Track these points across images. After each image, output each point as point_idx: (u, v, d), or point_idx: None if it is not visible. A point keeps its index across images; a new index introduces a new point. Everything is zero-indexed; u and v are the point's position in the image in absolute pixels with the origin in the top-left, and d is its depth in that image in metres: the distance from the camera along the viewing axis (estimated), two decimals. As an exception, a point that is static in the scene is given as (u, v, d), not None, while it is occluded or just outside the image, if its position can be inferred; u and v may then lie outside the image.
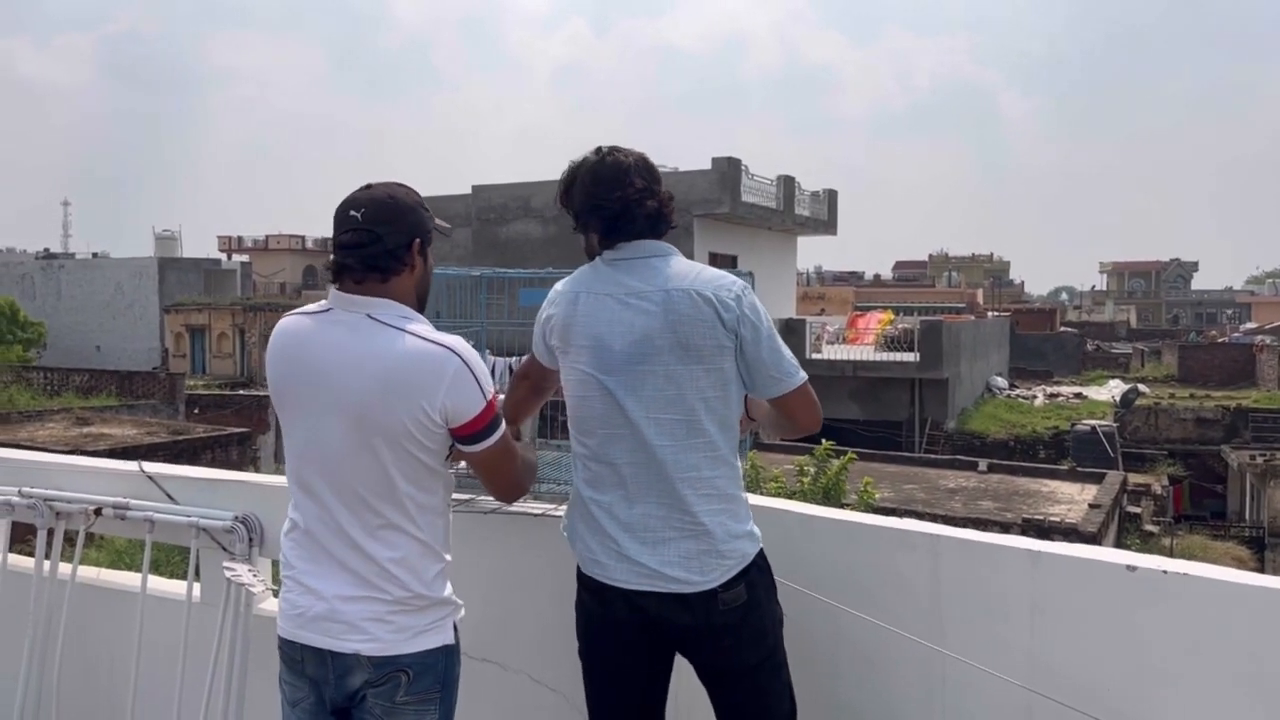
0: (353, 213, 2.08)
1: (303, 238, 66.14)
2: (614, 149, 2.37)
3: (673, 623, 2.26)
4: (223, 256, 59.28)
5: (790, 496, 8.99)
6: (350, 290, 2.10)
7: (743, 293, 2.27)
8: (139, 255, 48.16)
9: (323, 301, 2.17)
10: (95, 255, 52.73)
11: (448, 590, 2.18)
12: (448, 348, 2.04)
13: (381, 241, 2.07)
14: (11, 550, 3.52)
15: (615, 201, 2.31)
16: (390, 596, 2.07)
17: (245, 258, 60.35)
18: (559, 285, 2.45)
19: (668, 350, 2.23)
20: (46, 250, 55.99)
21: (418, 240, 2.14)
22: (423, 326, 2.09)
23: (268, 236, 65.86)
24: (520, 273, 2.91)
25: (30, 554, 3.43)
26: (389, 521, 2.08)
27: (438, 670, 2.14)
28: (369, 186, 2.14)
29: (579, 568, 2.38)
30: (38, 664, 3.28)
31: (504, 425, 2.15)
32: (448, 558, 2.19)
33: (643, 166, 2.35)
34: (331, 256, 2.13)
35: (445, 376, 2.02)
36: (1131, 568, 2.28)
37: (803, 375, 2.32)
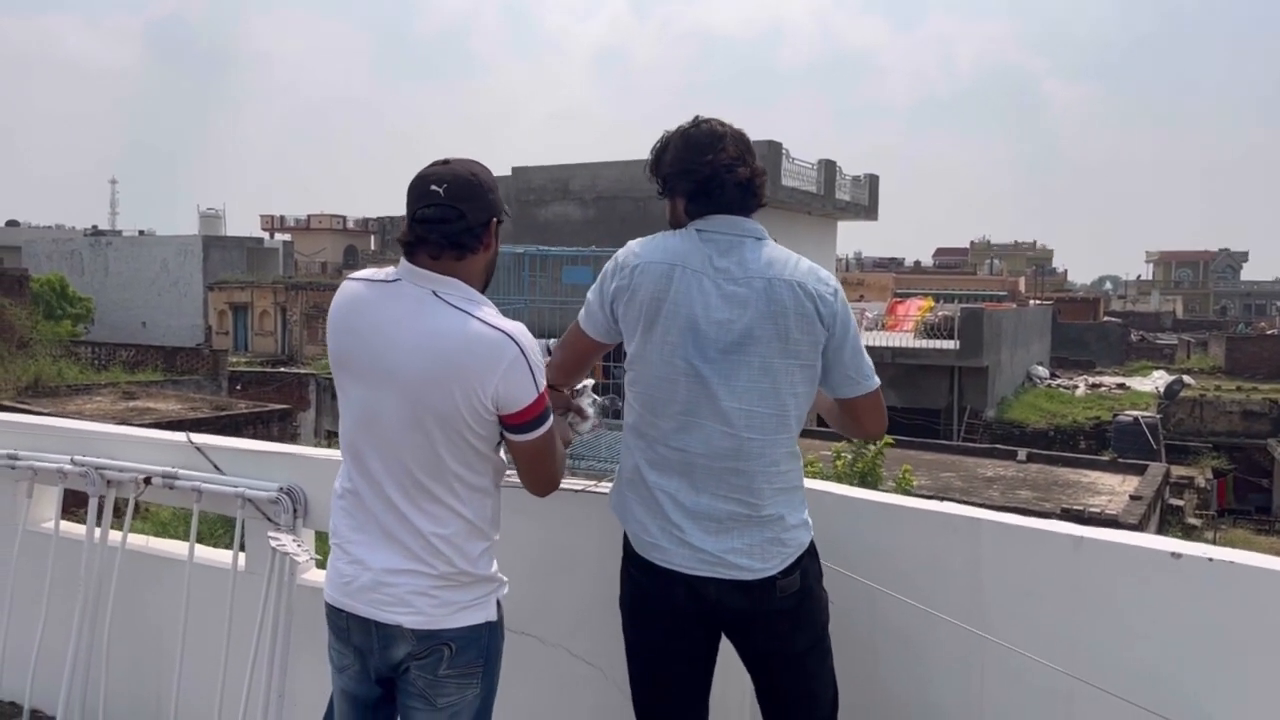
0: (434, 187, 2.05)
1: (344, 217, 66.62)
2: (710, 119, 2.32)
3: (730, 607, 2.25)
4: (265, 235, 59.90)
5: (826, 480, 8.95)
6: (424, 265, 2.08)
7: (839, 289, 2.26)
8: (184, 233, 48.83)
9: (390, 270, 2.15)
10: (142, 233, 53.53)
11: (493, 568, 2.20)
12: (507, 334, 2.03)
13: (465, 219, 2.06)
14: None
15: (705, 166, 2.24)
16: (435, 571, 2.09)
17: (287, 237, 60.94)
18: (638, 251, 2.30)
19: (766, 342, 2.18)
20: (95, 227, 56.95)
21: (495, 220, 2.13)
22: (487, 310, 2.08)
23: (309, 216, 66.40)
24: (564, 250, 2.91)
25: (79, 522, 3.51)
26: (436, 498, 2.09)
27: (481, 645, 2.16)
28: (447, 162, 2.11)
29: (631, 548, 2.36)
30: (88, 628, 3.36)
31: (551, 419, 2.14)
32: (495, 537, 2.21)
33: (738, 138, 2.30)
34: (407, 229, 2.10)
35: (501, 363, 2.01)
36: (1176, 555, 2.25)
37: (877, 380, 2.30)
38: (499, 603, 2.23)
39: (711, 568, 2.21)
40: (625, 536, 2.38)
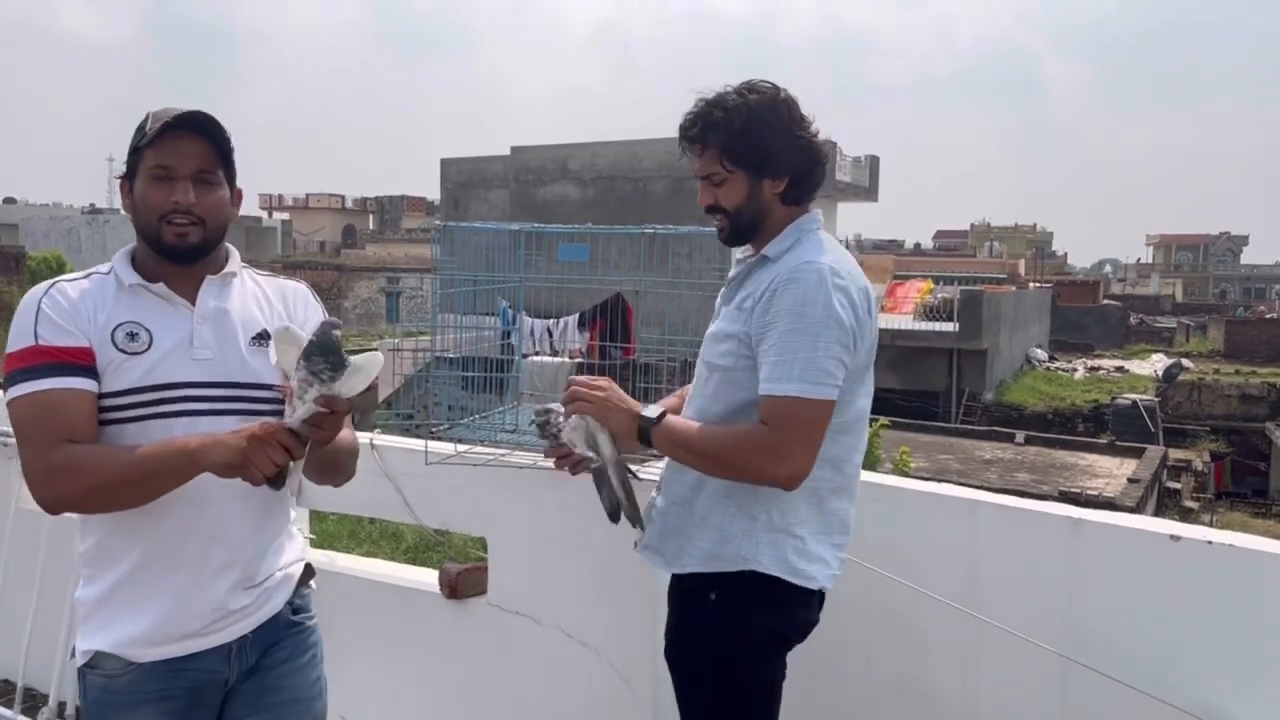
0: None
1: (342, 196, 66.49)
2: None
3: None
4: (264, 214, 59.77)
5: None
6: None
7: None
8: (182, 212, 48.56)
9: None
10: (139, 211, 53.29)
11: (83, 592, 1.78)
12: None
13: None
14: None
15: (814, 137, 2.00)
16: None
17: (285, 216, 60.86)
18: (852, 271, 1.96)
19: None
20: (92, 205, 56.69)
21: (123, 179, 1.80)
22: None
23: (308, 195, 66.22)
24: (559, 228, 2.88)
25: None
26: None
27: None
28: None
29: (814, 591, 2.07)
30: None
31: (14, 392, 1.65)
32: (100, 536, 1.77)
33: None
34: None
35: None
36: (1175, 538, 2.24)
37: None
38: (81, 655, 1.75)
39: None
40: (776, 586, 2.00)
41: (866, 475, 2.83)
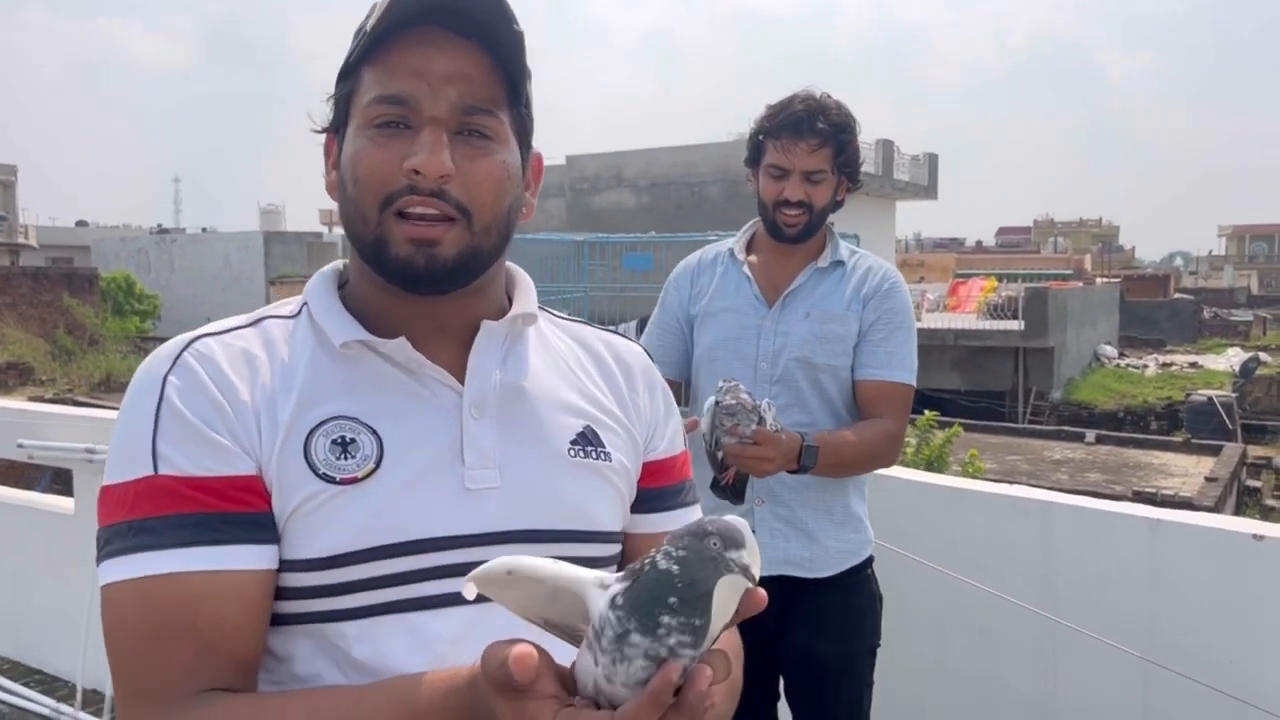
0: None
1: (401, 210, 67.56)
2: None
3: None
4: (324, 229, 60.88)
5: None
6: None
7: None
8: (245, 229, 49.83)
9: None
10: (204, 230, 54.73)
11: None
12: None
13: None
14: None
15: None
16: None
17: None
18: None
19: None
20: (160, 225, 58.33)
21: None
22: None
23: (368, 209, 67.40)
24: (623, 237, 2.90)
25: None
26: None
27: None
28: None
29: None
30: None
31: (108, 572, 0.82)
32: None
33: None
34: None
35: None
36: (1258, 537, 2.20)
37: None
38: None
39: None
40: None
41: (940, 478, 2.82)
